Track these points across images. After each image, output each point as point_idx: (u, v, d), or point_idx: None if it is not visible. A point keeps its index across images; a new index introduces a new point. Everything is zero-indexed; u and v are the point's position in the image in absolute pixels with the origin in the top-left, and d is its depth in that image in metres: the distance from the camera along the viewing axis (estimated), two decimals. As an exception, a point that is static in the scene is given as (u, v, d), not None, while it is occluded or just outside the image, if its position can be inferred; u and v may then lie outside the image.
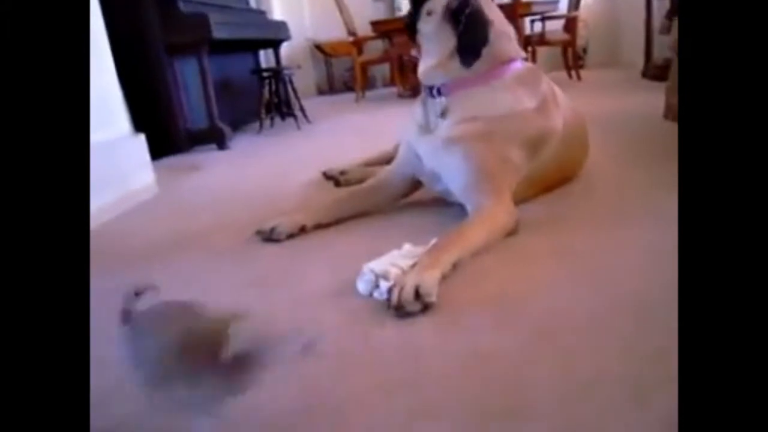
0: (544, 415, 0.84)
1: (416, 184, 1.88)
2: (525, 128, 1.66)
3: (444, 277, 1.27)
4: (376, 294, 1.25)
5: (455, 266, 1.32)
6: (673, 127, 2.89)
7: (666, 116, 3.07)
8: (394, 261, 1.32)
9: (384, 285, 1.24)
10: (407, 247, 1.40)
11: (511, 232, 1.53)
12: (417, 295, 1.15)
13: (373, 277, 1.27)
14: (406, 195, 1.92)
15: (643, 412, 0.82)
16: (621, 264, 1.32)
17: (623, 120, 3.28)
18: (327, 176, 2.47)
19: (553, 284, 1.26)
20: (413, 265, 1.29)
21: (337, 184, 2.36)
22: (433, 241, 1.42)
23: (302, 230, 1.71)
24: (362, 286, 1.29)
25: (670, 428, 0.78)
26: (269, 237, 1.68)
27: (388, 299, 1.17)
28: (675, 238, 1.45)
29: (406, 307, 1.14)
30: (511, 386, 0.92)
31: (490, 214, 1.51)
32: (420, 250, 1.38)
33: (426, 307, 1.15)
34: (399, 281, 1.20)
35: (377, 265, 1.30)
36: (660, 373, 0.90)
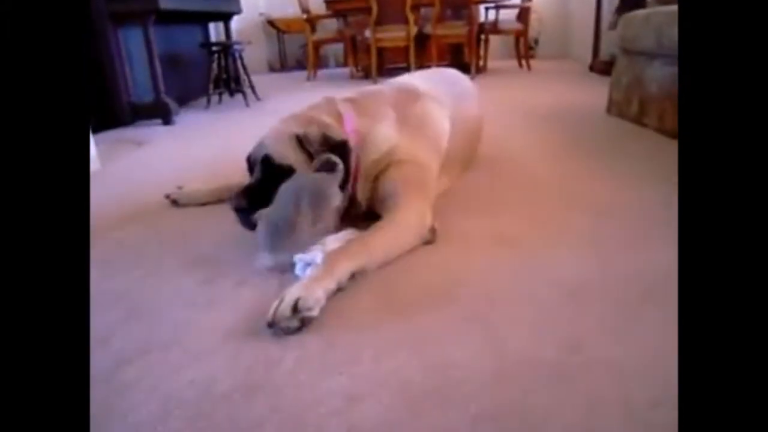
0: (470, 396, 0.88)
1: None
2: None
3: (340, 289, 1.21)
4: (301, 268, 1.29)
5: (354, 276, 1.25)
6: (614, 122, 3.01)
7: (609, 111, 3.18)
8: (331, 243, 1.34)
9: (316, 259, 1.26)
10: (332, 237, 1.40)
11: (429, 241, 1.45)
12: (295, 309, 1.08)
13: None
14: None
15: (569, 394, 0.87)
16: (558, 251, 1.38)
17: (568, 113, 3.38)
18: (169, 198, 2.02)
19: (490, 270, 1.30)
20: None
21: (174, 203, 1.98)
22: (347, 230, 1.43)
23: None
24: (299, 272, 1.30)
25: (592, 408, 0.83)
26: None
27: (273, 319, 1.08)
28: (607, 224, 1.52)
29: (281, 323, 1.06)
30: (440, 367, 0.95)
31: (401, 220, 1.43)
32: (353, 231, 1.41)
33: (303, 323, 1.08)
34: (281, 295, 1.12)
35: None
36: (582, 358, 0.96)
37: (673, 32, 2.42)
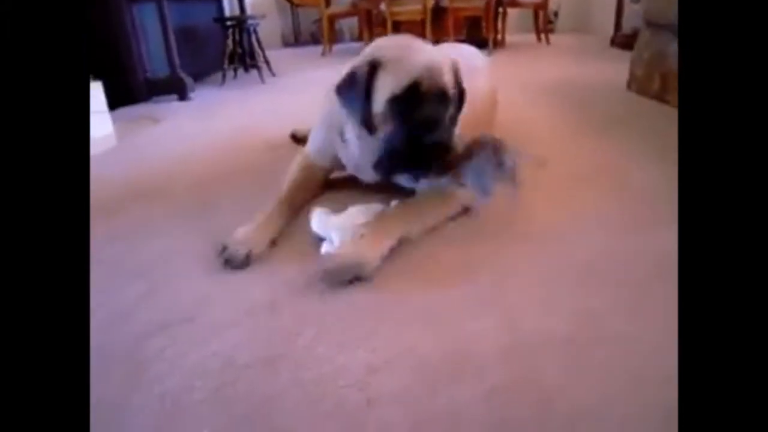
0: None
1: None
2: None
3: (391, 251, 1.26)
4: (325, 246, 1.31)
5: (402, 241, 1.30)
6: (634, 98, 2.95)
7: (629, 87, 3.12)
8: (352, 219, 1.36)
9: (335, 238, 1.29)
10: (362, 206, 1.42)
11: (472, 212, 1.47)
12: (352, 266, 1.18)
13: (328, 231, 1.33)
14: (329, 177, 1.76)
15: (581, 368, 0.88)
16: (571, 230, 1.37)
17: (586, 89, 3.32)
18: (295, 138, 2.37)
19: (505, 248, 1.30)
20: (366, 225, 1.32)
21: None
22: (394, 202, 1.44)
23: (273, 244, 1.39)
24: (316, 227, 1.36)
25: (603, 382, 0.84)
26: (244, 262, 1.30)
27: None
28: (621, 203, 1.51)
29: (334, 278, 1.17)
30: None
31: (445, 201, 1.45)
32: (377, 206, 1.42)
33: (358, 279, 1.18)
34: (336, 250, 1.22)
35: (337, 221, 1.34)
36: (593, 334, 0.96)
37: (698, 5, 2.35)
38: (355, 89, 1.36)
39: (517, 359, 0.92)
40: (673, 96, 2.63)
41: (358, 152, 1.50)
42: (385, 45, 1.45)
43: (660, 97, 2.76)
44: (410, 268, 1.24)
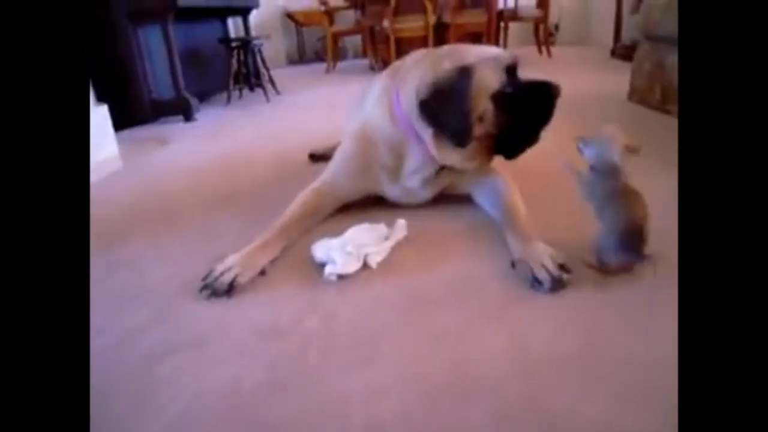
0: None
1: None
2: None
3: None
4: (328, 268, 1.30)
5: None
6: (636, 109, 2.96)
7: (630, 98, 3.13)
8: (355, 238, 1.37)
9: (338, 259, 1.29)
10: (365, 226, 1.44)
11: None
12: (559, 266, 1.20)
13: (330, 254, 1.32)
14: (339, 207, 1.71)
15: (588, 389, 0.88)
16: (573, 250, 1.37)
17: (588, 100, 3.33)
18: (314, 157, 2.37)
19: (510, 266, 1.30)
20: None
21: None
22: (400, 221, 1.45)
23: (261, 273, 1.34)
24: (317, 254, 1.36)
25: (612, 403, 0.84)
26: (227, 291, 1.27)
27: (535, 281, 1.18)
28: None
29: (563, 279, 1.17)
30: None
31: (511, 185, 1.56)
32: (380, 226, 1.43)
33: (565, 270, 1.20)
34: (528, 261, 1.22)
35: (343, 243, 1.35)
36: (601, 353, 0.96)
37: (697, 17, 2.37)
38: (454, 100, 1.35)
39: (522, 380, 0.92)
40: (674, 107, 2.63)
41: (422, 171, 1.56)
42: (444, 54, 1.48)
43: (661, 108, 2.76)
44: (413, 284, 1.24)
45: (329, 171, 1.68)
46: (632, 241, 1.13)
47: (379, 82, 1.66)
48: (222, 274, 1.28)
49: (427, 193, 1.65)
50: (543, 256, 1.21)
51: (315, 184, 1.66)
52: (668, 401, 0.84)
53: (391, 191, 1.65)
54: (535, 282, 1.18)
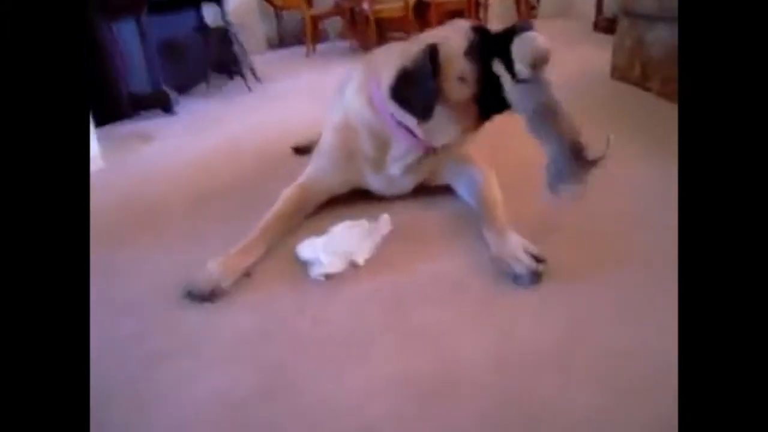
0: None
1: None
2: None
3: None
4: (314, 268, 1.31)
5: None
6: (617, 86, 2.96)
7: (612, 75, 3.13)
8: (339, 237, 1.38)
9: (324, 259, 1.31)
10: (349, 223, 1.45)
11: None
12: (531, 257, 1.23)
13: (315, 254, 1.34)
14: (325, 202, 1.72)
15: (571, 381, 0.90)
16: (554, 238, 1.39)
17: (570, 78, 3.32)
18: (298, 150, 2.36)
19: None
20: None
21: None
22: (384, 216, 1.46)
23: (246, 275, 1.36)
24: (302, 254, 1.37)
25: (593, 394, 0.86)
26: (209, 297, 1.28)
27: (516, 276, 1.20)
28: (603, 204, 1.52)
29: (540, 270, 1.20)
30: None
31: (489, 175, 1.58)
32: (364, 223, 1.44)
33: (540, 261, 1.22)
34: (505, 257, 1.24)
35: (329, 243, 1.36)
36: (582, 345, 0.98)
37: (675, -7, 2.37)
38: (420, 78, 1.37)
39: (510, 377, 0.94)
40: (654, 83, 2.64)
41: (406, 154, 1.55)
42: (415, 40, 1.51)
43: (642, 85, 2.78)
44: (398, 286, 1.25)
45: (313, 165, 1.68)
46: (579, 157, 1.18)
47: (356, 72, 1.66)
48: (204, 280, 1.29)
49: (409, 182, 1.66)
50: (517, 250, 1.24)
51: (300, 179, 1.66)
52: (649, 390, 0.87)
53: (374, 182, 1.66)
54: (515, 278, 1.20)
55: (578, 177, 1.20)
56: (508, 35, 1.34)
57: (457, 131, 1.49)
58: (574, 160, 1.18)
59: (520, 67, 1.26)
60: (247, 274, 1.35)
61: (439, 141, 1.51)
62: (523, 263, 1.20)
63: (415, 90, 1.38)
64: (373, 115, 1.53)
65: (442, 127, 1.46)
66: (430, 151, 1.56)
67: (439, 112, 1.40)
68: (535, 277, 1.18)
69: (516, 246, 1.26)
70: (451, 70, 1.38)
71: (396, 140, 1.54)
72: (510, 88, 1.30)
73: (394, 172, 1.60)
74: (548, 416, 0.85)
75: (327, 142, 1.67)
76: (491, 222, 1.38)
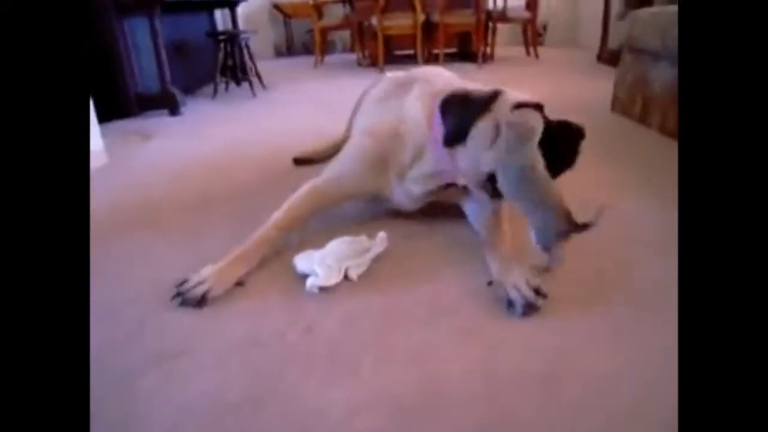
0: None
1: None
2: None
3: None
4: (310, 281, 1.33)
5: None
6: (618, 120, 3.02)
7: (613, 108, 3.19)
8: (336, 252, 1.40)
9: (320, 272, 1.33)
10: (347, 238, 1.47)
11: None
12: (535, 291, 1.23)
13: (312, 267, 1.36)
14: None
15: (555, 406, 0.92)
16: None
17: (572, 109, 3.36)
18: (299, 162, 2.39)
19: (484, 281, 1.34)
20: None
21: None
22: (381, 234, 1.49)
23: (239, 284, 1.38)
24: (300, 266, 1.39)
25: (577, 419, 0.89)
26: (199, 303, 1.30)
27: (510, 303, 1.21)
28: (598, 235, 1.56)
29: (536, 304, 1.21)
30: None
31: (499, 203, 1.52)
32: (363, 239, 1.47)
33: (540, 294, 1.23)
34: (504, 283, 1.25)
35: (326, 256, 1.38)
36: (568, 370, 1.01)
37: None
38: (473, 105, 1.40)
39: (494, 397, 0.96)
40: (655, 119, 2.69)
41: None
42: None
43: (642, 120, 2.83)
44: (392, 302, 1.28)
45: (336, 168, 1.67)
46: (566, 218, 1.17)
47: (418, 84, 1.67)
48: (195, 285, 1.31)
49: (424, 198, 1.65)
50: (519, 280, 1.25)
51: (317, 181, 1.64)
52: (632, 418, 0.89)
53: (395, 193, 1.64)
54: (509, 304, 1.22)
55: (564, 239, 1.19)
56: (563, 128, 1.39)
57: (476, 180, 1.45)
58: (563, 224, 1.17)
59: (512, 157, 1.26)
60: (239, 283, 1.37)
61: (461, 179, 1.50)
62: (522, 293, 1.21)
63: (461, 112, 1.41)
64: (427, 130, 1.52)
65: (469, 167, 1.42)
66: (450, 187, 1.56)
67: (470, 151, 1.39)
68: (529, 309, 1.19)
69: (519, 275, 1.26)
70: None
71: (428, 160, 1.53)
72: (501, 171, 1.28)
73: (413, 188, 1.59)
74: (529, 441, 0.87)
75: (361, 145, 1.66)
76: (496, 248, 1.39)
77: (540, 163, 1.24)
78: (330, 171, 1.67)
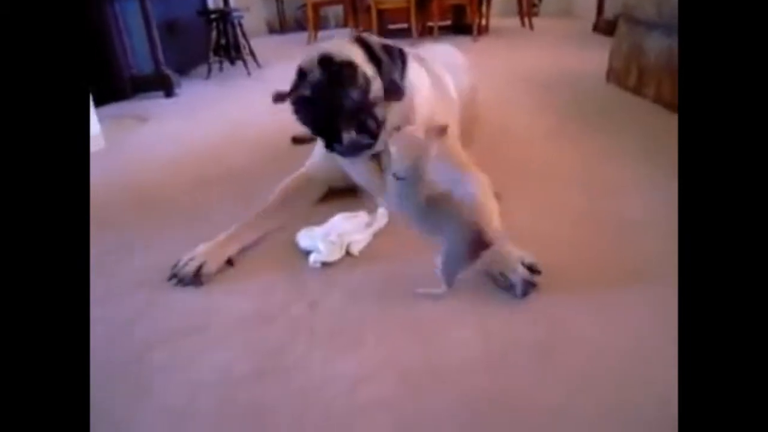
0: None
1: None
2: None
3: None
4: (312, 256, 1.36)
5: None
6: (613, 91, 3.02)
7: (608, 78, 3.19)
8: (338, 227, 1.43)
9: (322, 247, 1.36)
10: (347, 214, 1.50)
11: (498, 196, 1.51)
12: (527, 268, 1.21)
13: (315, 242, 1.39)
14: (323, 198, 1.76)
15: (550, 372, 0.96)
16: (548, 234, 1.45)
17: (567, 80, 3.38)
18: (297, 140, 2.39)
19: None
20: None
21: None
22: (381, 209, 1.52)
23: (229, 263, 1.41)
24: (302, 243, 1.42)
25: (572, 386, 0.92)
26: (192, 280, 1.33)
27: (512, 285, 1.19)
28: (597, 206, 1.58)
29: (534, 281, 1.19)
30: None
31: (480, 180, 1.50)
32: (362, 214, 1.49)
33: (535, 271, 1.21)
34: (499, 265, 1.21)
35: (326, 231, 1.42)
36: (563, 339, 1.04)
37: (674, 2, 2.42)
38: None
39: (493, 366, 1.00)
40: (650, 90, 2.70)
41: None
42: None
43: (637, 91, 2.83)
44: (395, 279, 1.31)
45: (312, 155, 1.73)
46: (479, 242, 1.12)
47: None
48: (187, 263, 1.34)
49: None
50: (513, 260, 1.22)
51: (307, 165, 1.71)
52: (625, 388, 0.93)
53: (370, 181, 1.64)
54: (510, 287, 1.20)
55: (475, 261, 1.14)
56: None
57: None
58: (473, 245, 1.13)
59: (398, 168, 1.16)
60: (230, 262, 1.40)
61: None
62: (518, 273, 1.19)
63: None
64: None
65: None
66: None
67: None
68: (529, 287, 1.18)
69: (512, 255, 1.23)
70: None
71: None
72: (391, 187, 1.21)
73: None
74: (528, 406, 0.91)
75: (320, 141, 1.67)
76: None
77: (435, 182, 1.17)
78: (313, 156, 1.72)
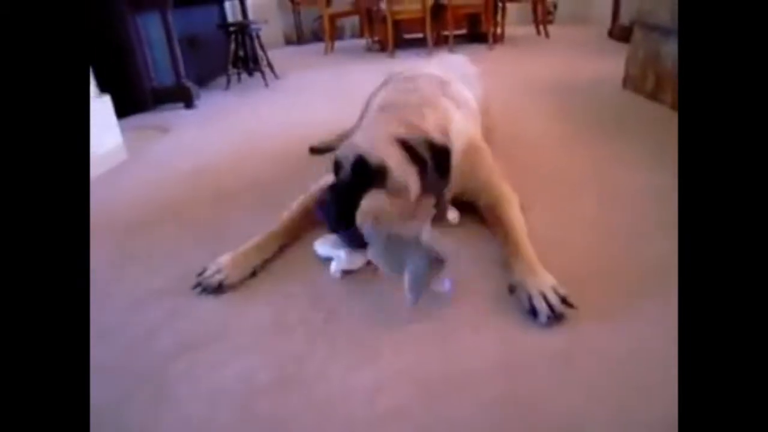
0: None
1: None
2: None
3: None
4: (333, 265, 1.38)
5: None
6: (629, 97, 3.01)
7: (624, 85, 3.17)
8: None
9: (342, 255, 1.38)
10: None
11: (524, 208, 1.54)
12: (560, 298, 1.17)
13: (334, 250, 1.41)
14: None
15: (569, 380, 0.96)
16: (563, 240, 1.45)
17: (583, 87, 3.37)
18: (314, 151, 2.44)
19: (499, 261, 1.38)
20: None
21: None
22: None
23: (252, 275, 1.43)
24: (321, 250, 1.45)
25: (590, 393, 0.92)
26: (216, 289, 1.37)
27: (532, 310, 1.15)
28: (613, 212, 1.57)
29: (564, 314, 1.15)
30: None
31: (510, 200, 1.54)
32: None
33: (567, 304, 1.16)
34: (529, 289, 1.19)
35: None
36: (582, 347, 1.04)
37: (690, 8, 2.41)
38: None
39: (511, 374, 1.01)
40: (667, 96, 2.68)
41: None
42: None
43: (654, 97, 2.81)
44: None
45: None
46: (435, 262, 1.20)
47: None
48: (212, 275, 1.38)
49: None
50: (545, 287, 1.18)
51: (322, 180, 1.69)
52: (642, 396, 0.93)
53: None
54: (532, 312, 1.16)
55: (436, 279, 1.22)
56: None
57: None
58: (432, 266, 1.19)
59: (361, 223, 1.30)
60: (253, 273, 1.42)
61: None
62: (550, 302, 1.15)
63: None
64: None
65: None
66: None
67: None
68: (555, 319, 1.13)
69: (545, 282, 1.20)
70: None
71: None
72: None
73: None
74: (545, 413, 0.91)
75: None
76: (519, 252, 1.33)
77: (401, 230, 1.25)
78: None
